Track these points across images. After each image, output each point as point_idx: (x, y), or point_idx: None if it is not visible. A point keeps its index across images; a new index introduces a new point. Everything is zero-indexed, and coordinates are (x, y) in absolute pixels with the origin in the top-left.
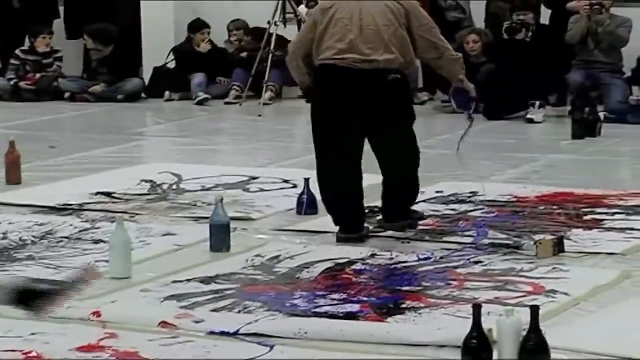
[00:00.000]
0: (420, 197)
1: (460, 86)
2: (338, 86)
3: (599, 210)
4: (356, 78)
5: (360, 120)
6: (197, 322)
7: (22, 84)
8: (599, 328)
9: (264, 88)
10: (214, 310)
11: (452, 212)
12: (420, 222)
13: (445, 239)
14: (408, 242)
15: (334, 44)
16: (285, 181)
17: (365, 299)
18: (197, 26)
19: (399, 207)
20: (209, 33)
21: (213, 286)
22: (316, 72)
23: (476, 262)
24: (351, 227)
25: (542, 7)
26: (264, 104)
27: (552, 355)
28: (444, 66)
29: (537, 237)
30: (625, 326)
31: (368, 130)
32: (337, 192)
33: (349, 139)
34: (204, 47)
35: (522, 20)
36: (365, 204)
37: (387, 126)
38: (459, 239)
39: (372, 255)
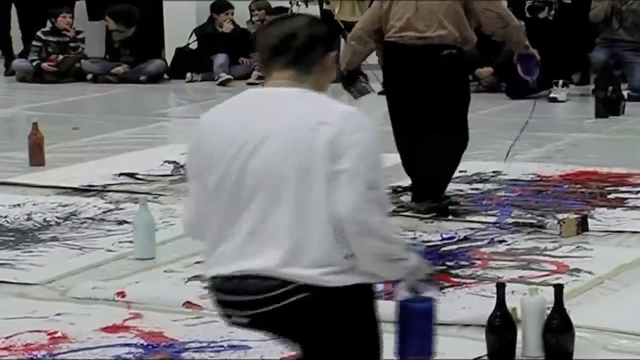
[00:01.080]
0: None
1: (525, 52)
2: (397, 63)
3: (623, 189)
4: (412, 54)
5: (413, 96)
6: None
7: (44, 65)
8: (623, 307)
9: None
10: None
11: (476, 191)
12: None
13: (469, 218)
14: (432, 222)
15: (395, 23)
16: None
17: None
18: (221, 7)
19: (427, 189)
20: (232, 14)
21: None
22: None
23: (500, 242)
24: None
25: None
26: None
27: (577, 334)
28: (511, 35)
29: (560, 216)
30: None
31: (418, 110)
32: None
33: (403, 114)
34: (227, 27)
35: None
36: (389, 184)
37: (436, 110)
38: (482, 219)
39: None
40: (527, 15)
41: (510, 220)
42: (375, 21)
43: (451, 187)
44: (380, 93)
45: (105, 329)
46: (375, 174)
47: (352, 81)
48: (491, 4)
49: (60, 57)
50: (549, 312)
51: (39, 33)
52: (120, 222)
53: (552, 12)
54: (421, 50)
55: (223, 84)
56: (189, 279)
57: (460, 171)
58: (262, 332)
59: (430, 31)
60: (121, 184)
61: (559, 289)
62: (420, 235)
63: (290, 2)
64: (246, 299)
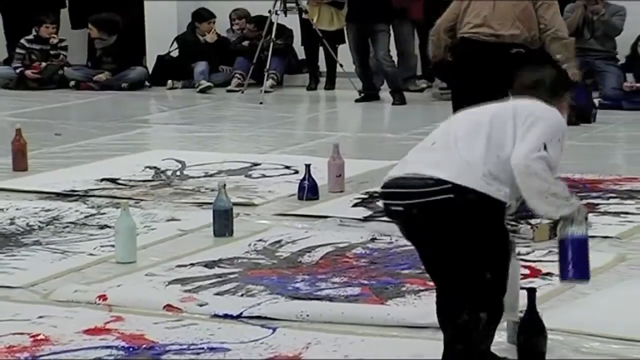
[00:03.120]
0: None
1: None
2: (469, 57)
3: (594, 194)
4: (484, 50)
5: (480, 90)
6: (201, 305)
7: (28, 72)
8: (594, 310)
9: (266, 76)
10: (217, 293)
11: None
12: None
13: None
14: None
15: (472, 19)
16: (287, 167)
17: (365, 282)
18: (203, 16)
19: None
20: (213, 22)
21: (216, 270)
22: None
23: None
24: None
25: None
26: (266, 91)
27: (549, 336)
28: (545, 43)
29: (533, 221)
30: (620, 308)
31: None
32: None
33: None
34: (211, 37)
35: None
36: (366, 190)
37: None
38: None
39: (372, 240)
40: None
41: None
42: (452, 18)
43: None
44: (357, 100)
45: (87, 332)
46: (550, 145)
47: (440, 72)
48: (541, 9)
49: (44, 64)
50: (522, 314)
51: (22, 41)
52: (102, 227)
53: None
54: (493, 47)
55: (203, 91)
56: (170, 283)
57: None
58: (410, 227)
59: (504, 30)
60: (103, 189)
61: (532, 292)
62: (397, 240)
63: (270, 12)
64: (405, 191)
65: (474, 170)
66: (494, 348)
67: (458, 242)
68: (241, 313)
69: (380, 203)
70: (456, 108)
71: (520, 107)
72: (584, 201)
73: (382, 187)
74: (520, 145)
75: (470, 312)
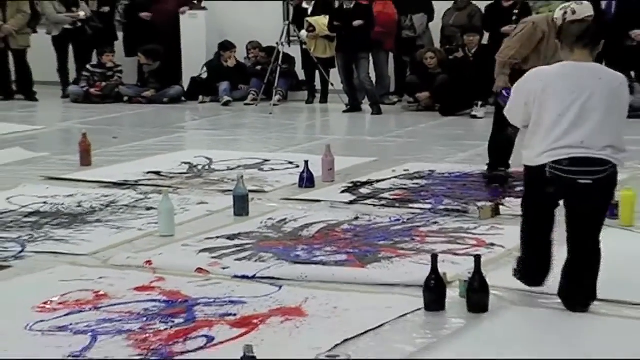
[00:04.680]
0: (390, 175)
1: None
2: None
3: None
4: None
5: None
6: (224, 268)
7: (92, 90)
8: None
9: (274, 93)
10: (237, 259)
11: (416, 185)
12: (392, 194)
13: (411, 205)
14: (383, 208)
15: None
16: (290, 163)
17: (350, 251)
18: (226, 46)
19: None
20: (234, 51)
21: (236, 242)
22: None
23: (434, 223)
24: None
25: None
26: (274, 104)
27: (492, 293)
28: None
29: (479, 204)
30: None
31: None
32: None
33: None
34: (232, 62)
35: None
36: (351, 180)
37: None
38: (421, 206)
39: (356, 218)
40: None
41: (442, 207)
42: None
43: (398, 182)
44: (344, 111)
45: (137, 289)
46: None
47: None
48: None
49: (104, 84)
50: (470, 275)
51: (88, 66)
52: (148, 208)
53: (473, 51)
54: None
55: (226, 104)
56: (200, 251)
57: (405, 170)
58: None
59: None
60: (149, 179)
61: (478, 258)
62: (375, 218)
63: (277, 43)
64: (599, 169)
65: None
66: (450, 302)
67: None
68: (255, 274)
69: None
70: None
71: None
72: (518, 189)
73: None
74: None
75: None
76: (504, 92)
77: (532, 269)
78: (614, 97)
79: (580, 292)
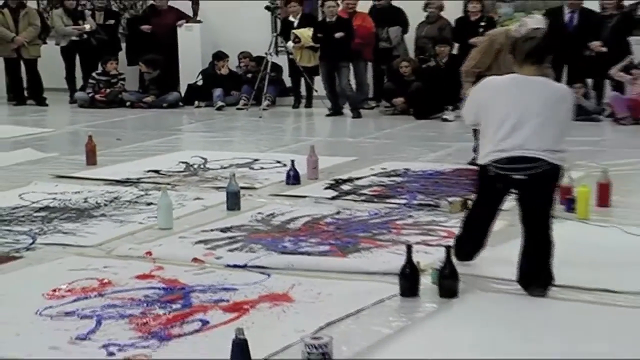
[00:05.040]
0: (369, 173)
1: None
2: None
3: None
4: None
5: None
6: (218, 258)
7: (97, 96)
8: (493, 260)
9: (263, 98)
10: (229, 250)
11: (393, 182)
12: (371, 190)
13: (387, 201)
14: (363, 203)
15: None
16: (278, 162)
17: (333, 242)
18: (220, 56)
19: None
20: (227, 60)
21: (229, 234)
22: None
23: (409, 217)
24: None
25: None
26: (263, 109)
27: (461, 279)
28: None
29: (450, 199)
30: (508, 259)
31: None
32: None
33: None
34: (225, 71)
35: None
36: (333, 177)
37: None
38: (397, 201)
39: (338, 212)
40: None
41: (416, 202)
42: None
43: (376, 179)
44: (327, 115)
45: (138, 277)
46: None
47: None
48: None
49: (108, 90)
50: (441, 264)
51: (93, 74)
52: (148, 204)
53: (444, 60)
54: None
55: (219, 109)
56: (196, 243)
57: (382, 168)
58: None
59: None
60: (149, 177)
61: (448, 249)
62: (355, 212)
63: (266, 53)
64: (533, 166)
65: None
66: (423, 288)
67: None
68: (246, 264)
69: None
70: None
71: None
72: None
73: None
74: None
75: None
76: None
77: (465, 248)
78: (552, 107)
79: (535, 278)
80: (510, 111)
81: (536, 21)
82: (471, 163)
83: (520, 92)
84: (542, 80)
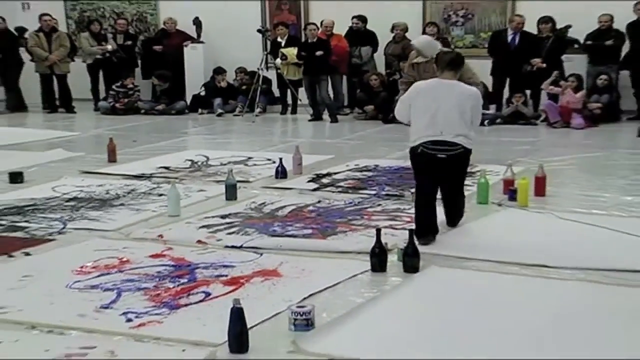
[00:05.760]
0: (344, 168)
1: None
2: None
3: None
4: None
5: None
6: (218, 240)
7: (117, 105)
8: (446, 242)
9: (256, 106)
10: (228, 233)
11: (365, 176)
12: (346, 183)
13: (360, 192)
14: (340, 194)
15: None
16: (269, 159)
17: (315, 226)
18: (219, 71)
19: None
20: (225, 75)
21: (227, 220)
22: None
23: (378, 205)
24: None
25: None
26: (256, 115)
27: (421, 257)
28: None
29: (412, 190)
30: (461, 241)
31: None
32: None
33: None
34: (224, 83)
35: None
36: (315, 172)
37: None
38: (368, 192)
39: (319, 202)
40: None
41: (384, 193)
42: None
43: (350, 174)
44: (309, 120)
45: (152, 256)
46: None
47: None
48: None
49: (126, 100)
50: (405, 244)
51: (114, 86)
52: (160, 195)
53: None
54: None
55: (219, 115)
56: (200, 227)
57: (355, 165)
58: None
59: None
60: (160, 173)
61: (411, 231)
62: (333, 201)
63: (258, 69)
64: (451, 148)
65: None
66: (390, 264)
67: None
68: (242, 245)
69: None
70: None
71: None
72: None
73: None
74: None
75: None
76: None
77: (420, 225)
78: (463, 103)
79: (451, 224)
80: (431, 105)
81: (422, 39)
82: None
83: (438, 92)
84: (456, 82)
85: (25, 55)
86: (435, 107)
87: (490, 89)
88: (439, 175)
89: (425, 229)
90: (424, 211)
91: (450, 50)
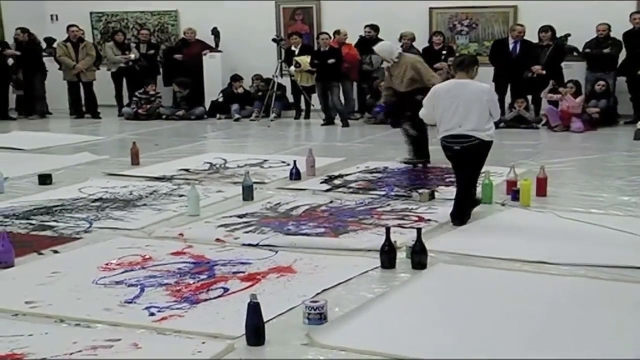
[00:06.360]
0: (355, 170)
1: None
2: None
3: (453, 176)
4: None
5: None
6: (236, 238)
7: (139, 111)
8: (454, 240)
9: (271, 111)
10: (245, 232)
11: (374, 177)
12: (357, 184)
13: (370, 192)
14: (351, 194)
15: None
16: (283, 162)
17: (327, 225)
18: (236, 78)
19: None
20: (242, 82)
21: (244, 219)
22: None
23: (387, 205)
24: None
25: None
26: (271, 120)
27: (429, 255)
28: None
29: (420, 190)
30: (467, 239)
31: None
32: None
33: None
34: (241, 90)
35: None
36: (327, 174)
37: None
38: (378, 192)
39: (331, 202)
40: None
41: (393, 193)
42: None
43: (361, 175)
44: (322, 125)
45: (173, 253)
46: (497, 105)
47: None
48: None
49: (148, 106)
50: (413, 242)
51: (136, 93)
52: (180, 195)
53: None
54: None
55: (236, 120)
56: (218, 226)
57: (366, 167)
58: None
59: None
60: (181, 174)
61: (419, 230)
62: (345, 201)
63: (273, 76)
64: (466, 140)
65: None
66: (399, 261)
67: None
68: (258, 243)
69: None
70: None
71: None
72: (447, 180)
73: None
74: None
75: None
76: (377, 107)
77: (454, 207)
78: (476, 99)
79: (461, 213)
80: (449, 103)
81: (379, 45)
82: (406, 162)
83: (454, 91)
84: (469, 81)
85: (50, 64)
86: (452, 104)
87: None
88: (457, 166)
89: (456, 211)
90: (457, 195)
91: (462, 54)
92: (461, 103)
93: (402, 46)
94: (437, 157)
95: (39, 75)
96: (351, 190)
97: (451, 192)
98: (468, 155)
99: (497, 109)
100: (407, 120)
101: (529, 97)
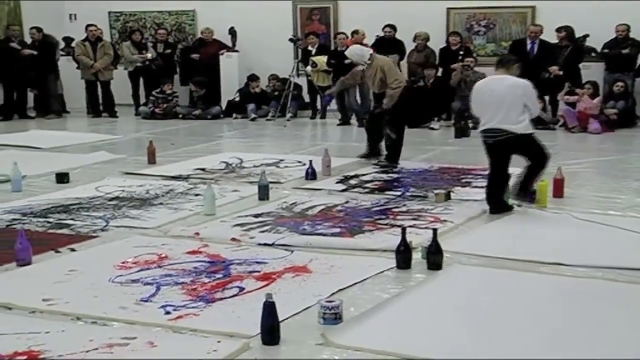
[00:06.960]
0: (372, 170)
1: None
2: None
3: (469, 176)
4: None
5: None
6: (251, 238)
7: (156, 110)
8: (468, 240)
9: (287, 111)
10: (260, 231)
11: (390, 178)
12: (373, 184)
13: (386, 192)
14: (366, 194)
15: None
16: (299, 162)
17: (343, 225)
18: (253, 78)
19: None
20: (259, 81)
21: (260, 219)
22: None
23: (403, 205)
24: None
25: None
26: (287, 120)
27: (445, 255)
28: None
29: (436, 191)
30: (482, 240)
31: None
32: None
33: None
34: (257, 89)
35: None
36: (343, 174)
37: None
38: (394, 193)
39: (347, 202)
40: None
41: (408, 194)
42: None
43: (375, 176)
44: (338, 125)
45: (189, 252)
46: (535, 99)
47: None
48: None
49: (165, 105)
50: (429, 242)
51: (153, 92)
52: (196, 195)
53: (431, 82)
54: None
55: (252, 120)
56: (234, 225)
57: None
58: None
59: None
60: (197, 174)
61: (435, 230)
62: (361, 202)
63: (289, 75)
64: (497, 134)
65: None
66: (414, 262)
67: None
68: (274, 242)
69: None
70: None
71: None
72: (463, 180)
73: None
74: None
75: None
76: (327, 96)
77: (488, 199)
78: (509, 93)
79: (495, 201)
80: (487, 98)
81: (350, 49)
82: (361, 156)
83: (490, 86)
84: (506, 76)
85: (68, 64)
86: (488, 99)
87: None
88: (491, 158)
89: (491, 203)
90: (490, 188)
91: (503, 54)
92: (495, 97)
93: (416, 46)
94: (452, 157)
95: (52, 75)
96: (367, 190)
97: (467, 192)
98: (500, 149)
99: (535, 103)
100: (387, 124)
101: (547, 98)
